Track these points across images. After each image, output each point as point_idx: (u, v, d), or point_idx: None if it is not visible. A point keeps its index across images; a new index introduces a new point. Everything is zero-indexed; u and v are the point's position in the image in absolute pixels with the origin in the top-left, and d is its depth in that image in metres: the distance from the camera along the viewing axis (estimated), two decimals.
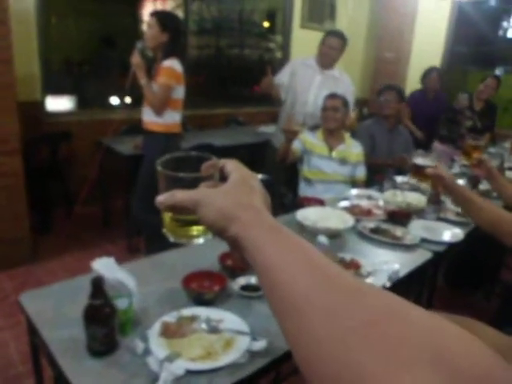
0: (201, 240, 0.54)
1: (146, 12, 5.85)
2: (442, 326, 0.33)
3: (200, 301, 1.31)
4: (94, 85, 5.12)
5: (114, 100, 4.34)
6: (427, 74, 4.27)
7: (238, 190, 0.49)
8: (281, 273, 0.39)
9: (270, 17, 6.21)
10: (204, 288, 1.38)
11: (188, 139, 3.48)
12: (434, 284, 2.26)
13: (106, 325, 1.01)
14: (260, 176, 3.34)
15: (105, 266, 1.12)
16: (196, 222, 0.51)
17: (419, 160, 1.89)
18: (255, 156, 3.75)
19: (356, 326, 0.33)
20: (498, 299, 2.88)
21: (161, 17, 2.70)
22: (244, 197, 0.48)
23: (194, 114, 4.49)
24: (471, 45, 5.78)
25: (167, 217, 0.53)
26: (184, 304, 1.30)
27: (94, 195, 3.54)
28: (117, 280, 1.12)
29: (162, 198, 0.50)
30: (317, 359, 0.34)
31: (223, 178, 0.52)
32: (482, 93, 4.21)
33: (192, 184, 0.50)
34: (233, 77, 6.33)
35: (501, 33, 5.46)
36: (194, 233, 0.54)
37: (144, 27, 5.68)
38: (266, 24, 6.33)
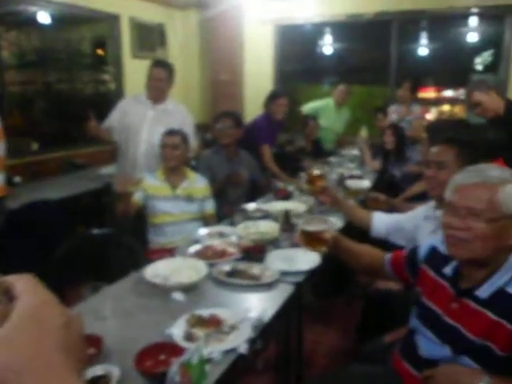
0: None
1: None
2: None
3: None
4: None
5: None
6: (273, 98, 3.81)
7: (19, 333, 0.33)
8: None
9: (100, 46, 5.85)
10: None
11: (16, 196, 2.99)
12: (300, 305, 2.21)
13: None
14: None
15: None
16: None
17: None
18: (100, 204, 3.42)
19: None
20: (360, 302, 3.03)
21: None
22: (27, 346, 0.31)
23: (22, 162, 3.90)
24: (297, 63, 6.23)
25: None
26: None
27: None
28: None
29: None
30: None
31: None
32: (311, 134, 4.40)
33: None
34: (66, 114, 5.78)
35: (320, 49, 6.00)
36: None
37: None
38: (96, 54, 5.94)
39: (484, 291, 1.19)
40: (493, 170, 1.20)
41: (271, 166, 3.65)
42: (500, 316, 1.14)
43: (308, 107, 5.06)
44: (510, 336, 1.12)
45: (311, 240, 1.62)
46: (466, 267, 1.25)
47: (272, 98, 3.82)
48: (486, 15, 5.04)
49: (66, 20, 4.97)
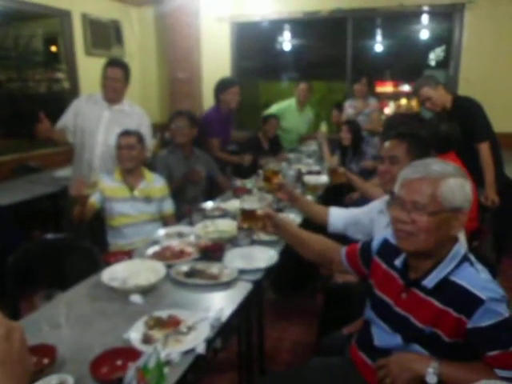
0: None
1: None
2: None
3: None
4: None
5: None
6: (226, 87, 3.75)
7: None
8: None
9: (52, 43, 5.64)
10: None
11: None
12: (260, 302, 2.22)
13: None
14: None
15: None
16: None
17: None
18: (57, 208, 3.32)
19: None
20: (322, 295, 3.08)
21: None
22: None
23: None
24: (256, 59, 6.23)
25: None
26: None
27: None
28: None
29: None
30: None
31: None
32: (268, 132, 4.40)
33: None
34: (18, 115, 5.55)
35: (279, 46, 6.02)
36: None
37: None
38: (48, 51, 5.73)
39: (430, 281, 1.24)
40: (435, 165, 1.24)
41: (220, 155, 3.67)
42: (446, 304, 1.19)
43: (270, 110, 4.95)
44: (456, 323, 1.17)
45: (248, 217, 1.76)
46: (413, 259, 1.29)
47: (224, 87, 3.76)
48: (436, 13, 5.21)
49: (13, 16, 4.76)
